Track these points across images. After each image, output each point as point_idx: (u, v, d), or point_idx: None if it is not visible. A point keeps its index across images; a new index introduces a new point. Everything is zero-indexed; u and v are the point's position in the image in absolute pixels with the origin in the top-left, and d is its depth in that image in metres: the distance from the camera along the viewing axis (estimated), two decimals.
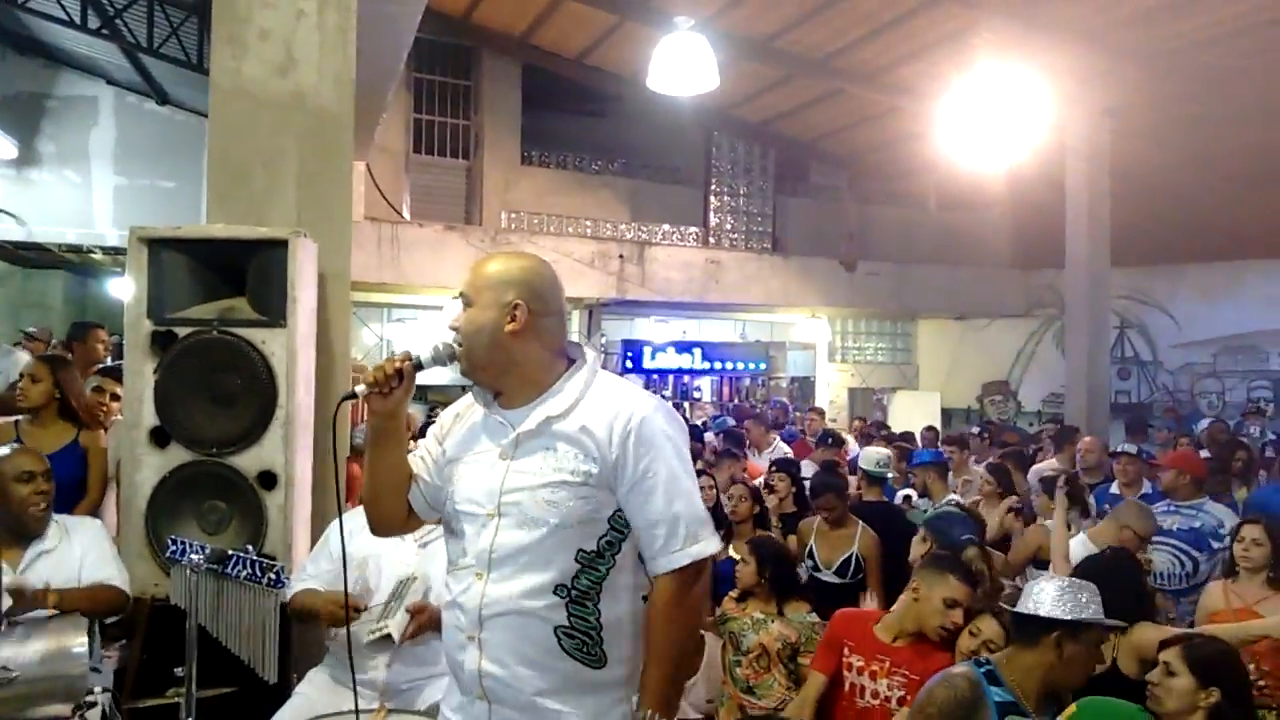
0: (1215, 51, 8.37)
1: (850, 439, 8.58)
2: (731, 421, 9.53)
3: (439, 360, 1.93)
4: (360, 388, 1.91)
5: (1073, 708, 1.93)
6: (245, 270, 3.30)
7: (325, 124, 3.78)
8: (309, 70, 3.78)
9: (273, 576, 2.59)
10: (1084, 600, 2.53)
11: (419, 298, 10.98)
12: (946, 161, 9.60)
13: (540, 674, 1.86)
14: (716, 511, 5.53)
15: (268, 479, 3.15)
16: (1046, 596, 2.55)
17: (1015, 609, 2.62)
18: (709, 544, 1.91)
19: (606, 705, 1.92)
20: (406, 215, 10.92)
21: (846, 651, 3.15)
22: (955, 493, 5.78)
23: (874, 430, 9.33)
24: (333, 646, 2.88)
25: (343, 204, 3.78)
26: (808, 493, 5.41)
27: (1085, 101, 9.74)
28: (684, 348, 13.75)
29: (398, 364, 1.91)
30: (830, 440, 7.44)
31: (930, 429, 9.58)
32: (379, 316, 12.24)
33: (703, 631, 4.09)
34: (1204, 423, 9.47)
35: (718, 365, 14.17)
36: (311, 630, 3.08)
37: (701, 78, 6.28)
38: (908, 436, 8.60)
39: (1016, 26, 8.49)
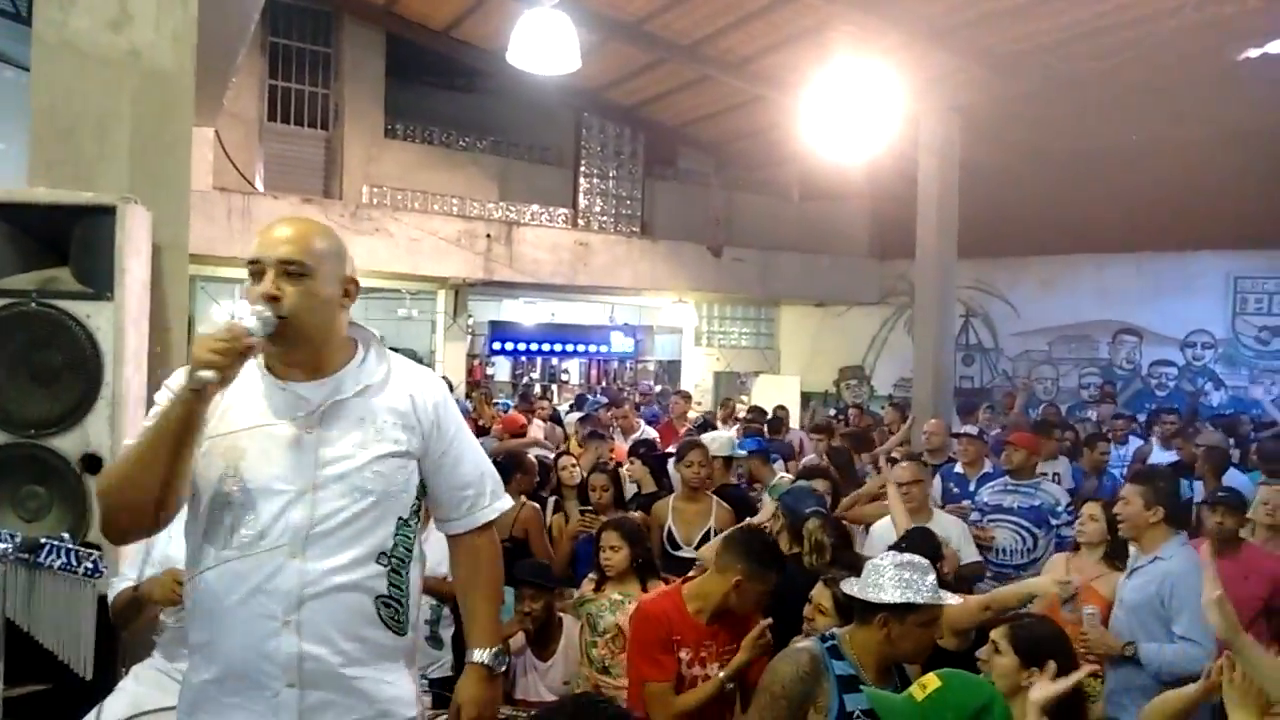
0: (1057, 55, 8.86)
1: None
2: (605, 400, 9.57)
3: (266, 333, 1.80)
4: (209, 374, 1.68)
5: (934, 679, 1.98)
6: (69, 239, 3.06)
7: (163, 85, 3.54)
8: (145, 26, 3.53)
9: (90, 565, 2.43)
10: (910, 579, 2.61)
11: None
12: (808, 152, 9.86)
13: (360, 647, 1.88)
14: (583, 489, 5.55)
15: (92, 462, 2.94)
16: (879, 577, 2.64)
17: (855, 589, 2.71)
18: (507, 498, 2.18)
19: (401, 671, 1.97)
20: (260, 186, 10.42)
21: (675, 646, 3.03)
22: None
23: (732, 415, 9.54)
24: (160, 640, 2.73)
25: (181, 171, 3.55)
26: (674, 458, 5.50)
27: (936, 98, 10.17)
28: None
29: (246, 342, 1.74)
30: (704, 426, 7.60)
31: (781, 408, 9.80)
32: (230, 292, 11.67)
33: (561, 614, 4.11)
34: (1039, 406, 10.12)
35: (584, 348, 14.21)
36: (138, 625, 2.91)
37: (563, 57, 6.19)
38: (774, 424, 8.87)
39: (872, 22, 8.78)
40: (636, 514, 5.08)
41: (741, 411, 9.83)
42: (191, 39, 3.60)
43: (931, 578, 2.66)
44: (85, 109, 3.44)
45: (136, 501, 1.76)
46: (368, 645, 1.89)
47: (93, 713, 2.52)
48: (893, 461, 5.45)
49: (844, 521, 4.68)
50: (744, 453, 6.03)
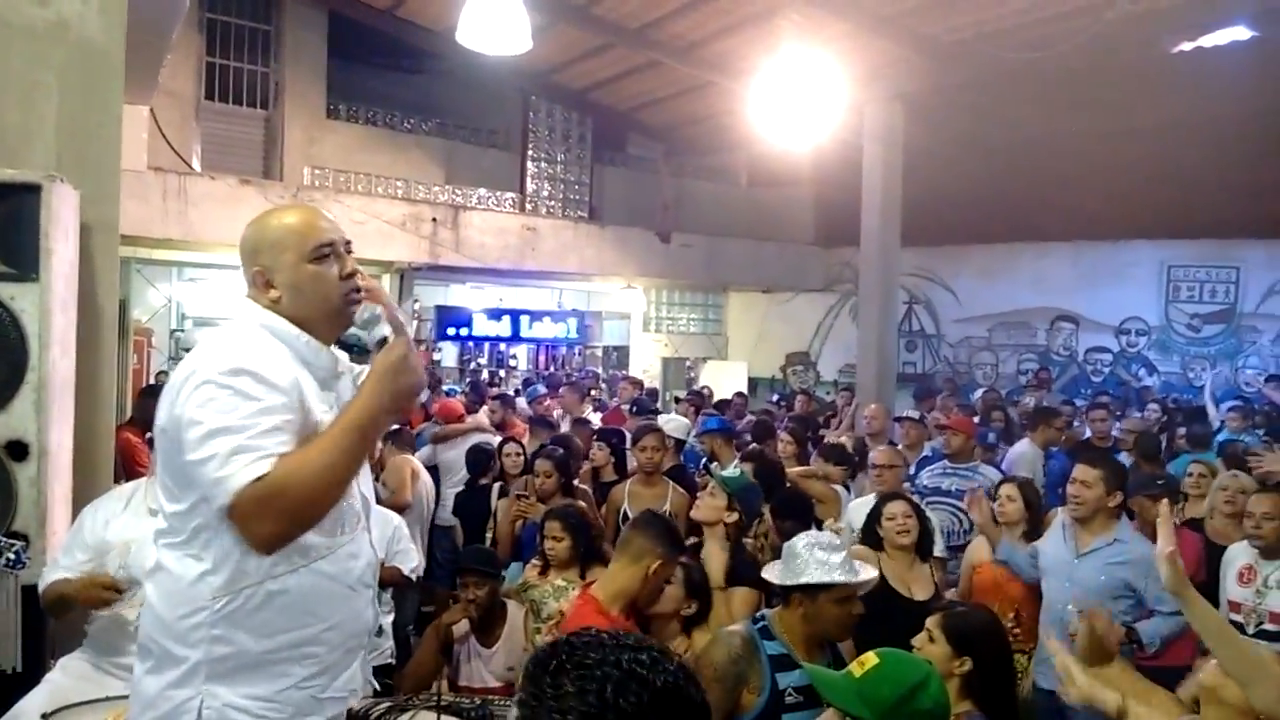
0: (999, 44, 8.97)
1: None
2: (543, 389, 9.55)
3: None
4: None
5: (873, 657, 2.02)
6: None
7: (91, 59, 3.43)
8: None
9: (11, 556, 2.36)
10: (820, 559, 2.66)
11: (211, 255, 10.25)
12: (757, 139, 9.88)
13: None
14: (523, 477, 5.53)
15: (17, 449, 2.85)
16: (792, 560, 2.70)
17: (774, 573, 2.77)
18: None
19: None
20: (196, 166, 10.15)
21: None
22: None
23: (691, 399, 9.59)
24: (91, 631, 2.66)
25: (110, 148, 3.45)
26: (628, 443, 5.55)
27: (880, 87, 10.25)
28: (498, 314, 13.69)
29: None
30: (636, 409, 7.63)
31: (740, 394, 9.97)
32: (167, 275, 11.36)
33: (505, 600, 4.09)
34: (979, 392, 10.33)
35: (533, 333, 14.15)
36: (70, 618, 2.83)
37: (514, 37, 6.10)
38: (720, 405, 8.97)
39: (817, 11, 8.82)
40: (601, 504, 5.12)
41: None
42: (122, 12, 3.50)
43: (840, 556, 2.71)
44: (8, 82, 3.33)
45: (328, 511, 1.77)
46: None
47: (14, 707, 2.45)
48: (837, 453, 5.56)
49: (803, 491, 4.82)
50: (688, 440, 6.08)
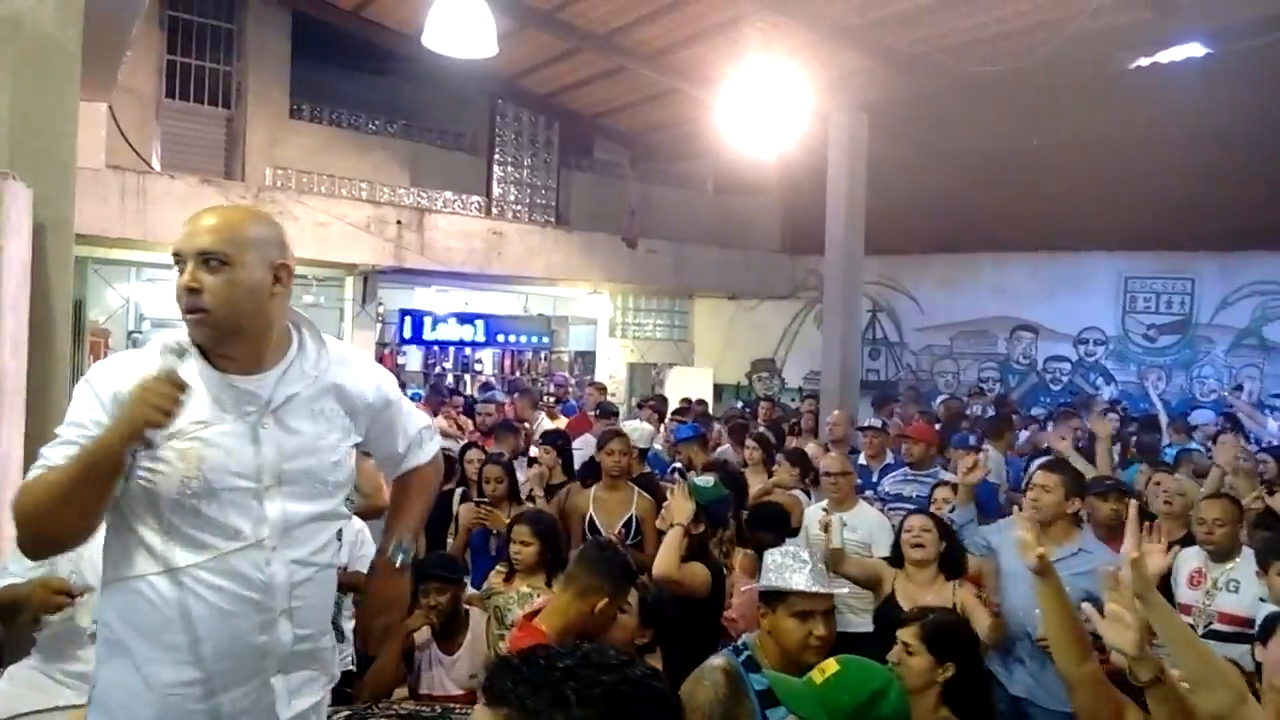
0: (961, 57, 9.10)
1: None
2: (501, 396, 9.51)
3: (182, 358, 1.83)
4: (159, 433, 1.73)
5: (833, 664, 2.01)
6: None
7: (46, 54, 3.37)
8: None
9: None
10: (784, 569, 2.62)
11: (170, 256, 10.08)
12: (723, 146, 9.93)
13: (325, 617, 1.99)
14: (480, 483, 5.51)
15: None
16: (765, 571, 2.68)
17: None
18: (439, 436, 2.36)
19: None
20: (156, 165, 9.98)
21: None
22: None
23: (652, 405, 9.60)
24: (42, 638, 2.60)
25: (66, 145, 3.39)
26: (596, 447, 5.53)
27: (845, 97, 10.35)
28: (465, 319, 13.58)
29: (179, 393, 1.71)
30: (600, 412, 7.63)
31: (699, 401, 9.98)
32: (125, 276, 11.16)
33: (468, 607, 4.06)
34: (940, 399, 10.45)
35: (499, 338, 14.06)
36: (21, 623, 2.76)
37: (480, 42, 6.08)
38: (680, 411, 8.98)
39: (783, 20, 8.90)
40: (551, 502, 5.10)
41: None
42: (78, 7, 3.44)
43: (806, 567, 2.65)
44: None
45: (61, 532, 1.75)
46: (327, 614, 2.01)
47: None
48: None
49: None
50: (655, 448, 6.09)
